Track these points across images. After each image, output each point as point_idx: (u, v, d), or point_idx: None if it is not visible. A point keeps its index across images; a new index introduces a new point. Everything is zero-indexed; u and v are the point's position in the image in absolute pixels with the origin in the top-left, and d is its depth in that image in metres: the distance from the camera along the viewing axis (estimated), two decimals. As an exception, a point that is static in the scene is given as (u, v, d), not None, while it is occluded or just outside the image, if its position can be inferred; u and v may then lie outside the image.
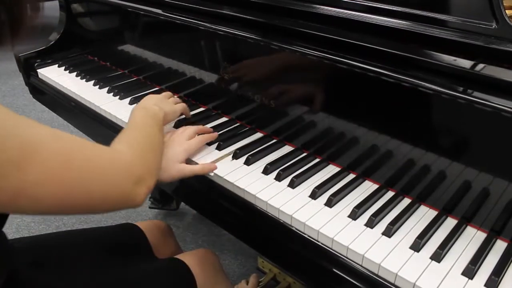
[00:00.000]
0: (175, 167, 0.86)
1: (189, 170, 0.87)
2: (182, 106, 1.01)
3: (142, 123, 0.83)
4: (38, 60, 1.45)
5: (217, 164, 0.90)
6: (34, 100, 1.52)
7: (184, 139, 0.91)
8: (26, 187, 0.51)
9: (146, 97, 0.96)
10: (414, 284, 0.64)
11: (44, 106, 1.50)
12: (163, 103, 0.95)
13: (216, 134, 0.99)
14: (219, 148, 0.95)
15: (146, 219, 1.90)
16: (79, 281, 0.82)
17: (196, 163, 0.91)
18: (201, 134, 0.96)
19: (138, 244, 1.01)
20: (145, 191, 0.67)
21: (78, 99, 1.25)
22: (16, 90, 3.10)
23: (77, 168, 0.56)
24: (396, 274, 0.66)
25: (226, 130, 1.04)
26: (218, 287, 0.97)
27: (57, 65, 1.44)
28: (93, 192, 0.59)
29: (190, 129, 0.95)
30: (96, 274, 0.85)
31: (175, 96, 1.06)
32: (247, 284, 1.46)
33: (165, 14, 1.13)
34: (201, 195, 0.95)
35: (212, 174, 0.88)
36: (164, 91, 1.23)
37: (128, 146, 0.70)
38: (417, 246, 0.70)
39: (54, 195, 0.54)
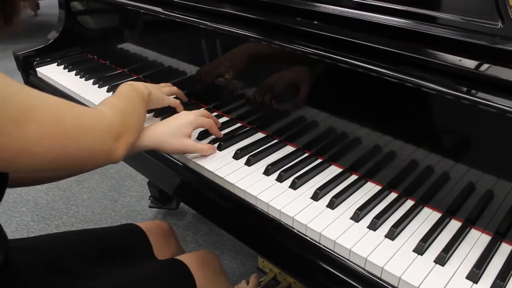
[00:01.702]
0: (179, 140, 0.88)
1: (192, 146, 0.90)
2: (172, 90, 1.07)
3: (125, 93, 0.87)
4: (37, 59, 1.45)
5: (217, 164, 0.89)
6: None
7: (192, 114, 0.92)
8: (26, 144, 0.56)
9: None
10: (418, 288, 0.63)
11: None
12: (152, 86, 1.00)
13: (221, 133, 0.99)
14: (219, 148, 0.94)
15: (146, 219, 1.89)
16: (79, 281, 0.82)
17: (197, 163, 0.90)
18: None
19: (138, 245, 1.00)
20: (124, 147, 0.73)
21: (78, 98, 1.24)
22: (15, 88, 3.08)
23: (69, 126, 0.62)
24: (400, 278, 0.65)
25: (227, 130, 1.03)
26: (219, 288, 0.97)
27: (56, 63, 1.44)
28: (82, 148, 0.65)
29: (202, 111, 0.97)
30: (96, 275, 0.85)
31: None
32: (248, 284, 1.46)
33: (165, 12, 1.12)
34: (201, 196, 0.94)
35: (209, 170, 0.88)
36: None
37: (109, 108, 0.77)
38: (420, 249, 0.69)
39: (50, 151, 0.60)
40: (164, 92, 1.03)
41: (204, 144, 0.93)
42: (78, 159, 0.65)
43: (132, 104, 0.85)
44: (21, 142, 0.55)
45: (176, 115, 0.93)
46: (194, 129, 0.91)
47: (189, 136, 0.90)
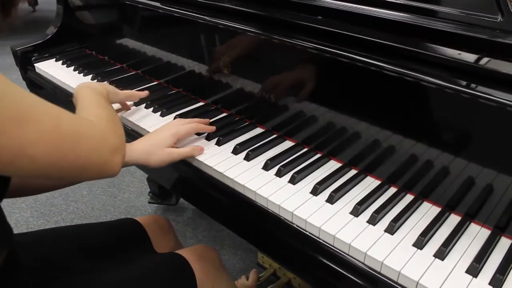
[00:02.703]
0: (164, 151, 0.88)
1: (177, 153, 0.89)
2: (126, 91, 1.05)
3: (95, 100, 0.85)
4: (35, 54, 1.44)
5: (216, 159, 0.89)
6: (32, 94, 1.51)
7: (174, 125, 0.93)
8: (25, 145, 0.55)
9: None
10: (418, 282, 0.63)
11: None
12: (104, 84, 0.98)
13: (213, 127, 0.98)
14: (218, 143, 0.94)
15: (146, 214, 1.89)
16: (79, 276, 0.82)
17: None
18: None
19: (138, 239, 1.00)
20: (121, 159, 0.70)
21: (76, 93, 1.23)
22: (14, 84, 3.08)
23: (67, 131, 0.61)
24: (399, 272, 0.65)
25: (226, 125, 1.02)
26: (218, 282, 0.97)
27: (54, 59, 1.43)
28: (79, 155, 0.63)
29: (184, 119, 0.98)
30: (95, 269, 0.85)
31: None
32: (247, 279, 1.46)
33: (164, 7, 1.11)
34: (200, 191, 0.93)
35: (208, 165, 0.88)
36: (163, 85, 1.23)
37: (97, 119, 0.74)
38: (420, 243, 0.69)
39: (48, 156, 0.58)
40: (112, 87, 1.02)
41: (188, 147, 0.92)
42: (75, 168, 0.63)
43: (108, 109, 0.83)
44: (20, 142, 0.54)
45: (158, 128, 0.94)
46: (178, 140, 0.92)
47: (172, 146, 0.90)
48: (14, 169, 0.57)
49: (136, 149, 0.87)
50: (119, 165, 0.69)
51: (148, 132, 1.00)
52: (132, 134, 1.05)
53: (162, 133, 0.91)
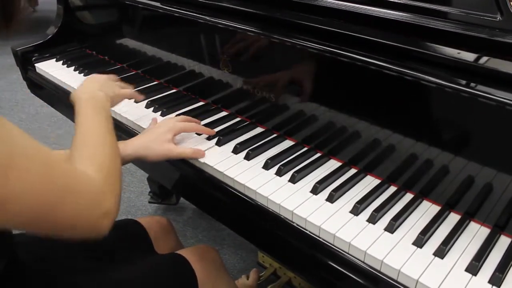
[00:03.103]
0: (162, 146, 0.89)
1: (176, 152, 0.90)
2: (129, 91, 1.01)
3: (98, 124, 0.77)
4: (36, 54, 1.44)
5: (217, 159, 0.89)
6: (33, 94, 1.51)
7: (171, 121, 0.94)
8: (9, 197, 0.50)
9: (89, 78, 0.94)
10: (417, 280, 0.63)
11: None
12: (107, 86, 0.92)
13: (213, 131, 0.98)
14: (219, 143, 0.94)
15: (146, 214, 1.89)
16: (79, 276, 0.82)
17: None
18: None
19: (139, 240, 1.00)
20: (110, 224, 0.65)
21: (76, 93, 1.23)
22: (14, 85, 3.08)
23: (55, 184, 0.56)
24: (399, 271, 0.65)
25: (226, 125, 1.03)
26: (219, 282, 0.97)
27: (55, 59, 1.43)
28: (65, 212, 0.57)
29: (183, 116, 0.99)
30: (96, 269, 0.85)
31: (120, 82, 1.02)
32: (248, 279, 1.46)
33: (164, 7, 1.11)
34: (200, 190, 0.94)
35: (208, 165, 0.88)
36: (163, 85, 1.23)
37: (96, 171, 0.65)
38: (420, 242, 0.69)
39: (32, 209, 0.53)
40: (116, 86, 0.97)
41: (189, 148, 0.92)
42: (60, 225, 0.58)
43: (109, 143, 0.75)
44: (4, 192, 0.49)
45: (156, 125, 0.95)
46: (175, 135, 0.92)
47: (171, 142, 0.91)
48: None
49: (134, 145, 0.88)
50: (106, 229, 0.64)
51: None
52: (133, 134, 1.05)
53: (158, 128, 0.92)
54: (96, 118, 0.78)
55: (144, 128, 1.02)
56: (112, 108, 1.10)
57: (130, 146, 0.88)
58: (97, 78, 0.94)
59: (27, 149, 0.53)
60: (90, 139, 0.73)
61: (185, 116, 1.00)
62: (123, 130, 1.08)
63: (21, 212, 0.52)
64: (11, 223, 0.53)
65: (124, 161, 0.87)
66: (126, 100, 1.14)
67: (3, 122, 0.51)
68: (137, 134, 1.03)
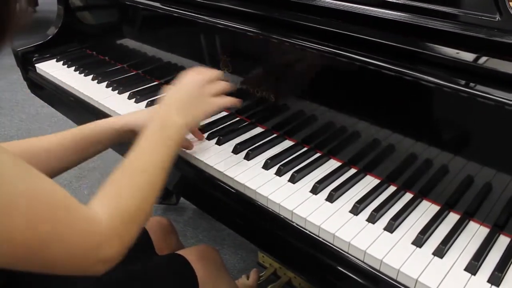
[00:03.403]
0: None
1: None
2: (225, 101, 0.86)
3: (149, 165, 0.68)
4: (36, 55, 1.44)
5: (217, 159, 0.89)
6: (33, 94, 1.51)
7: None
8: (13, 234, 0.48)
9: (181, 86, 0.82)
10: (417, 280, 0.63)
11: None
12: (197, 103, 0.81)
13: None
14: (219, 143, 0.95)
15: (146, 214, 1.89)
16: (80, 278, 0.82)
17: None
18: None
19: (140, 240, 0.99)
20: (109, 267, 0.60)
21: (77, 94, 1.24)
22: (14, 85, 3.08)
23: (51, 225, 0.52)
24: (398, 270, 0.65)
25: (226, 125, 1.03)
26: (219, 282, 0.97)
27: (55, 59, 1.43)
28: (57, 249, 0.53)
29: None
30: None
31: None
32: (248, 279, 1.46)
33: (164, 7, 1.11)
34: (200, 190, 0.94)
35: (208, 165, 0.88)
36: (163, 85, 1.23)
37: (110, 214, 0.60)
38: (419, 241, 0.69)
39: (21, 247, 0.50)
40: (211, 95, 0.84)
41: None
42: (51, 264, 0.55)
43: (151, 182, 0.68)
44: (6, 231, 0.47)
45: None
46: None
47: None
48: None
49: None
50: (103, 272, 0.59)
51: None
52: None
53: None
54: (153, 156, 0.70)
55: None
56: (113, 108, 1.11)
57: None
58: (188, 87, 0.82)
59: (20, 189, 0.49)
60: (128, 179, 0.66)
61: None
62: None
63: (8, 252, 0.49)
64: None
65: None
66: (126, 99, 1.15)
67: (5, 164, 0.48)
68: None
